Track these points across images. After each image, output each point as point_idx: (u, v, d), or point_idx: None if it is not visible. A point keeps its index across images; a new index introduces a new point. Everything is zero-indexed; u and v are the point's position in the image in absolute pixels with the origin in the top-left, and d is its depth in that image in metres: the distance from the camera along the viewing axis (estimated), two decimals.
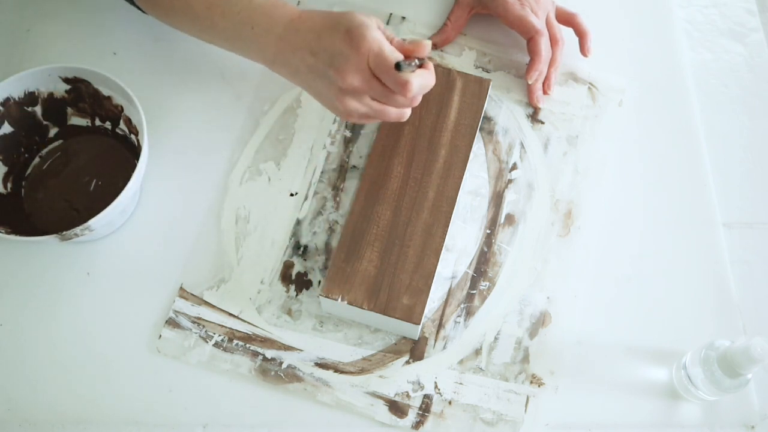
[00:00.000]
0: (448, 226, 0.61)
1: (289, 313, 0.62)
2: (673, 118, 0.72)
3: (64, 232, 0.57)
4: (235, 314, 0.61)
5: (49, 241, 0.58)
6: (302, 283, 0.63)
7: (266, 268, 0.63)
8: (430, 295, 0.59)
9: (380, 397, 0.59)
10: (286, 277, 0.63)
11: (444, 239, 0.61)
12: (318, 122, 0.69)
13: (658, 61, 0.74)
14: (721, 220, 0.67)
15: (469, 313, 0.62)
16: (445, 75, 0.67)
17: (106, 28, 0.73)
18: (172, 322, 0.61)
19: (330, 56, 0.55)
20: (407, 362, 0.60)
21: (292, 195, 0.66)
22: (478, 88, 0.67)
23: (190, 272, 0.63)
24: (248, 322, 0.61)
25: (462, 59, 0.73)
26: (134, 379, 0.60)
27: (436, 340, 0.61)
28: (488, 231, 0.65)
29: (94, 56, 0.71)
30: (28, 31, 0.72)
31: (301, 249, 0.64)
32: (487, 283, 0.64)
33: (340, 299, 0.58)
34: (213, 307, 0.62)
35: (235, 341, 0.60)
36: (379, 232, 0.61)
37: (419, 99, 0.58)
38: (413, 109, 0.63)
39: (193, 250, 0.63)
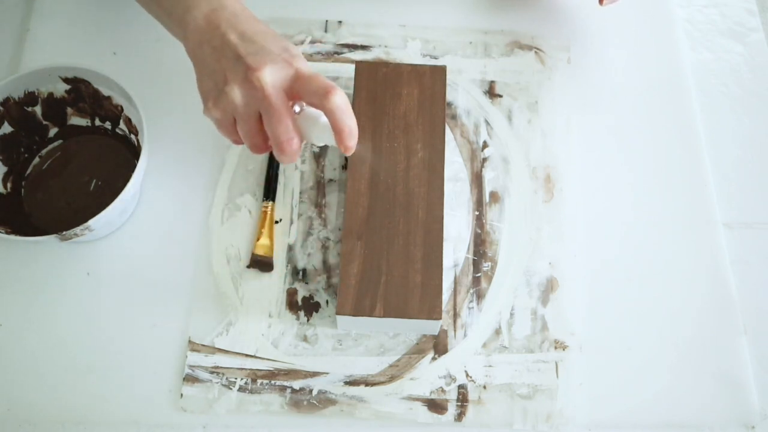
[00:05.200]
0: (443, 217, 0.61)
1: (305, 339, 0.61)
2: (673, 118, 0.72)
3: (64, 232, 0.57)
4: (252, 354, 0.61)
5: (49, 241, 0.58)
6: (310, 306, 0.62)
7: (271, 301, 0.63)
8: None
9: (417, 399, 0.59)
10: (292, 304, 0.62)
11: (442, 231, 0.60)
12: None
13: (658, 61, 0.74)
14: (721, 220, 0.67)
15: (479, 296, 0.63)
16: (397, 72, 0.66)
17: (106, 28, 0.73)
18: (190, 378, 0.59)
19: (258, 49, 0.50)
20: (433, 358, 0.61)
21: (276, 222, 0.65)
22: (435, 77, 0.67)
23: (195, 323, 0.61)
24: (267, 359, 0.60)
25: (407, 51, 0.73)
26: (135, 378, 0.60)
27: (455, 330, 0.62)
28: (477, 213, 0.66)
29: (94, 56, 0.71)
30: (28, 31, 0.73)
31: (300, 273, 0.64)
32: (489, 264, 0.64)
33: (356, 313, 0.58)
34: (227, 352, 0.60)
35: (260, 381, 0.59)
36: (377, 239, 0.60)
37: (293, 147, 0.51)
38: (381, 115, 0.64)
39: (193, 300, 0.62)
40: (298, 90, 0.51)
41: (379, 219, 0.61)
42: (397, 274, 0.59)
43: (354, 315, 0.58)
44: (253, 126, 0.52)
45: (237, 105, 0.51)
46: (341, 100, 0.50)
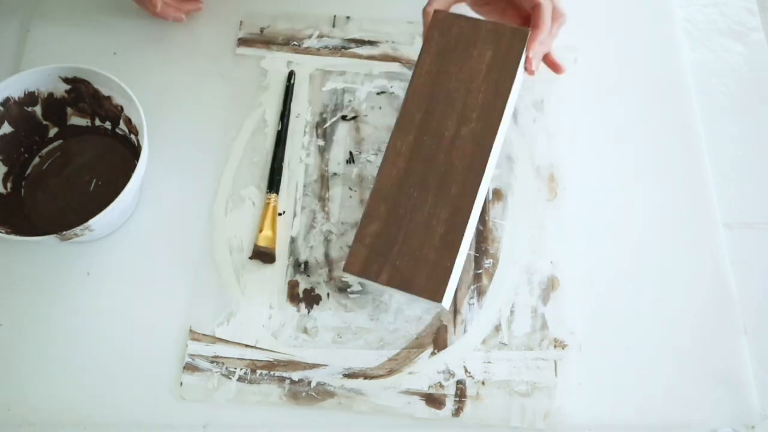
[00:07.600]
0: (474, 199, 0.57)
1: (305, 331, 0.61)
2: (673, 118, 0.72)
3: (64, 232, 0.57)
4: (252, 344, 0.61)
5: (49, 241, 0.58)
6: (311, 299, 0.63)
7: (272, 292, 0.63)
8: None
9: (415, 393, 0.60)
10: (293, 296, 0.63)
11: (470, 213, 0.56)
12: (288, 137, 0.68)
13: (658, 61, 0.74)
14: (721, 220, 0.67)
15: (480, 292, 0.63)
16: (475, 28, 0.61)
17: (106, 28, 0.73)
18: (190, 367, 0.60)
19: None
20: (432, 353, 0.61)
21: (280, 215, 0.65)
22: (513, 41, 0.60)
23: (196, 312, 0.62)
24: (267, 350, 0.61)
25: (414, 47, 0.73)
26: (135, 374, 0.60)
27: (455, 326, 0.62)
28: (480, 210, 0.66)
29: (94, 56, 0.71)
30: (28, 31, 0.73)
31: (302, 266, 0.64)
32: (491, 260, 0.64)
33: (362, 275, 0.56)
34: (228, 342, 0.61)
35: (259, 371, 0.60)
36: (402, 206, 0.57)
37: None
38: (444, 74, 0.60)
39: (195, 289, 0.62)
40: None
41: (410, 186, 0.58)
42: (413, 245, 0.56)
43: (360, 276, 0.56)
44: None
45: None
46: None
